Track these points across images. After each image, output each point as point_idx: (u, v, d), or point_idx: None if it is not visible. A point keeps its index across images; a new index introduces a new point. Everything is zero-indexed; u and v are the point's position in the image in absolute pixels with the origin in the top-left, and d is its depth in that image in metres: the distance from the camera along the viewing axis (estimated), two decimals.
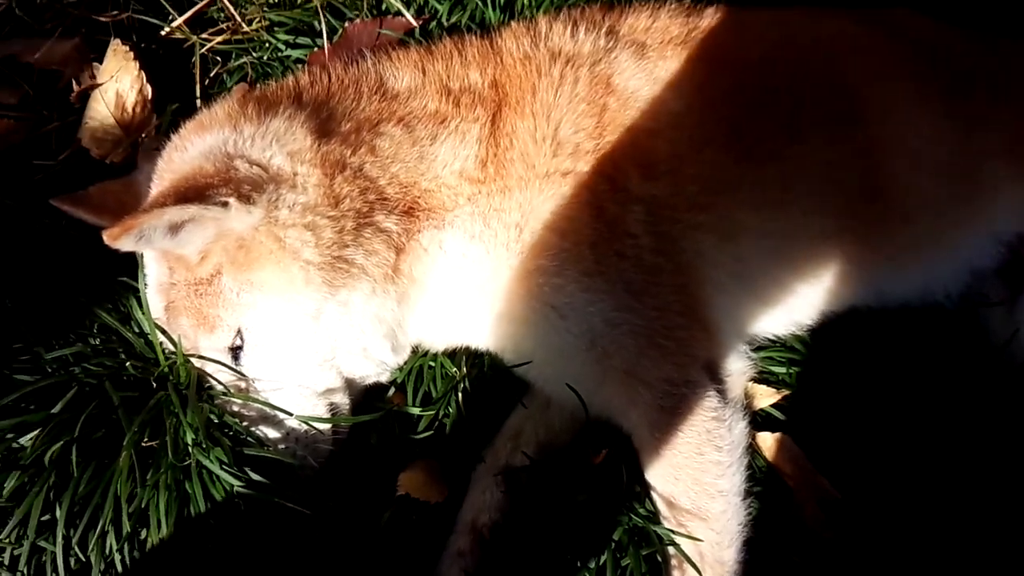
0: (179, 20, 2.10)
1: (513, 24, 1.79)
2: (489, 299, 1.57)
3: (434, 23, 2.13)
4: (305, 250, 1.45)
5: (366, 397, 1.70)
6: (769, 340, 1.76)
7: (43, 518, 1.47)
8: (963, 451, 1.66)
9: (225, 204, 1.38)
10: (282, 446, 1.56)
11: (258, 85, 1.93)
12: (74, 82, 1.97)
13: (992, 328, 1.82)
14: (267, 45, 2.12)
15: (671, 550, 1.53)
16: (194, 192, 1.38)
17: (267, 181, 1.46)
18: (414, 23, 2.08)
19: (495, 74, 1.66)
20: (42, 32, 2.10)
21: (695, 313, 1.57)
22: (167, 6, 2.09)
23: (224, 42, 2.12)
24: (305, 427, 1.55)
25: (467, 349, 1.74)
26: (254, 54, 2.11)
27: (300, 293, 1.47)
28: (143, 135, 1.93)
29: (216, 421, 1.54)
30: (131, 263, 1.67)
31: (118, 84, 1.93)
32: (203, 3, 2.12)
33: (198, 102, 2.04)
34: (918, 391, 1.71)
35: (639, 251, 1.52)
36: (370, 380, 1.68)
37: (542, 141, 1.56)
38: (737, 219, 1.60)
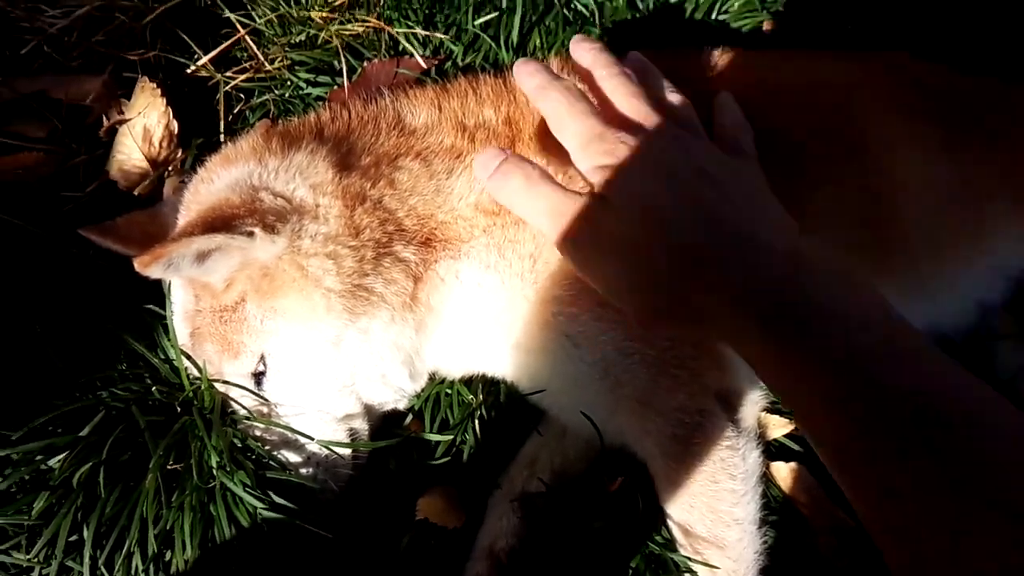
0: (204, 59, 2.15)
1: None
2: (504, 328, 1.61)
3: (449, 63, 2.19)
4: (327, 278, 1.50)
5: (384, 424, 1.74)
6: None
7: (71, 538, 1.50)
8: None
9: (251, 234, 1.43)
10: (303, 470, 1.59)
11: (280, 121, 1.98)
12: (104, 117, 2.03)
13: (1000, 361, 1.85)
14: (289, 83, 2.18)
15: None
16: (221, 222, 1.42)
17: (291, 212, 1.51)
18: (427, 64, 2.14)
19: (508, 111, 1.70)
20: (71, 69, 2.16)
21: (706, 343, 1.59)
22: (193, 45, 2.15)
23: (247, 80, 2.18)
24: (326, 452, 1.59)
25: (483, 376, 1.77)
26: (276, 92, 2.17)
27: (322, 320, 1.51)
28: (169, 168, 1.98)
29: (239, 445, 1.58)
30: (157, 292, 1.71)
31: (146, 119, 1.98)
32: (228, 43, 2.18)
33: (221, 137, 2.09)
34: None
35: None
36: (388, 407, 1.71)
37: (554, 174, 1.59)
38: None
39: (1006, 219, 1.80)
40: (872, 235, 1.72)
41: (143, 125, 1.99)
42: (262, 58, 2.18)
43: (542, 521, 1.66)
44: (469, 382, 1.79)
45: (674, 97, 1.49)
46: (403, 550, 1.62)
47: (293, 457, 1.60)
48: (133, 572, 1.50)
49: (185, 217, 1.60)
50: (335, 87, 2.14)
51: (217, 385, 1.58)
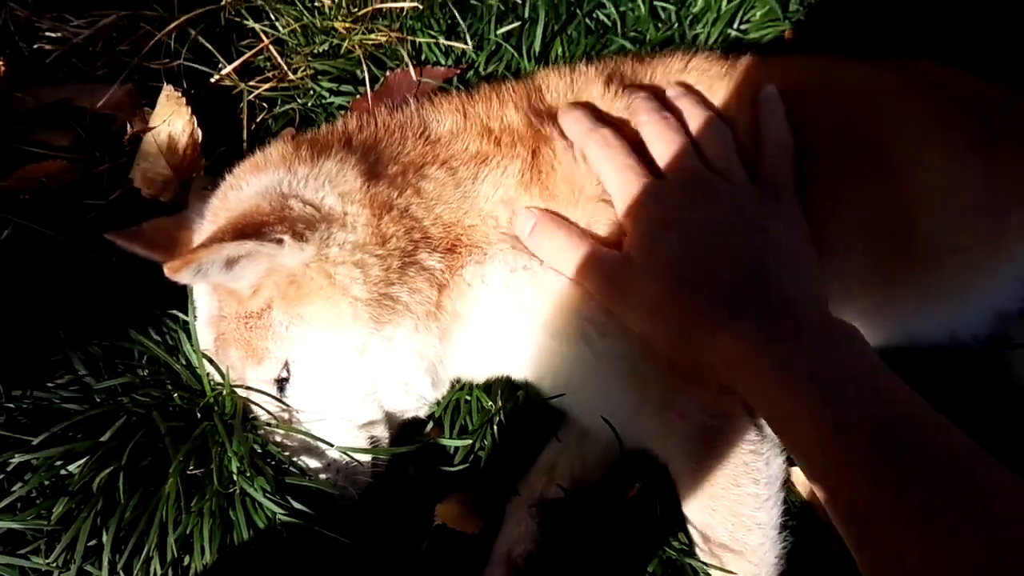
0: (228, 68, 2.16)
1: (551, 67, 1.86)
2: (531, 327, 1.60)
3: (471, 72, 2.20)
4: (354, 286, 1.50)
5: (403, 430, 1.74)
6: None
7: (90, 543, 1.50)
8: None
9: (280, 241, 1.43)
10: (323, 476, 1.59)
11: (307, 129, 1.98)
12: (128, 125, 2.04)
13: (1016, 370, 1.84)
14: (312, 92, 2.19)
15: None
16: (251, 228, 1.43)
17: (319, 220, 1.51)
18: (449, 74, 2.15)
19: (536, 111, 1.72)
20: (95, 78, 2.17)
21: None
22: (217, 55, 2.16)
23: (271, 89, 2.18)
24: (346, 458, 1.59)
25: (503, 382, 1.77)
26: (299, 101, 2.18)
27: (348, 328, 1.51)
28: (193, 176, 1.99)
29: (259, 451, 1.58)
30: (178, 298, 1.72)
31: (170, 128, 1.99)
32: (251, 53, 2.19)
33: (244, 145, 2.10)
34: None
35: None
36: (409, 414, 1.71)
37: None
38: None
39: None
40: (893, 241, 1.71)
41: (167, 133, 2.00)
42: (285, 67, 2.19)
43: (560, 527, 1.65)
44: (488, 388, 1.79)
45: (712, 138, 1.61)
46: (421, 555, 1.62)
47: (313, 463, 1.60)
48: None
49: (214, 224, 1.60)
50: (358, 96, 2.14)
51: (239, 390, 1.58)
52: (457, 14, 2.23)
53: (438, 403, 1.77)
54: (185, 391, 1.67)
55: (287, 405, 1.59)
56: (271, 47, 2.19)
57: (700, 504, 1.55)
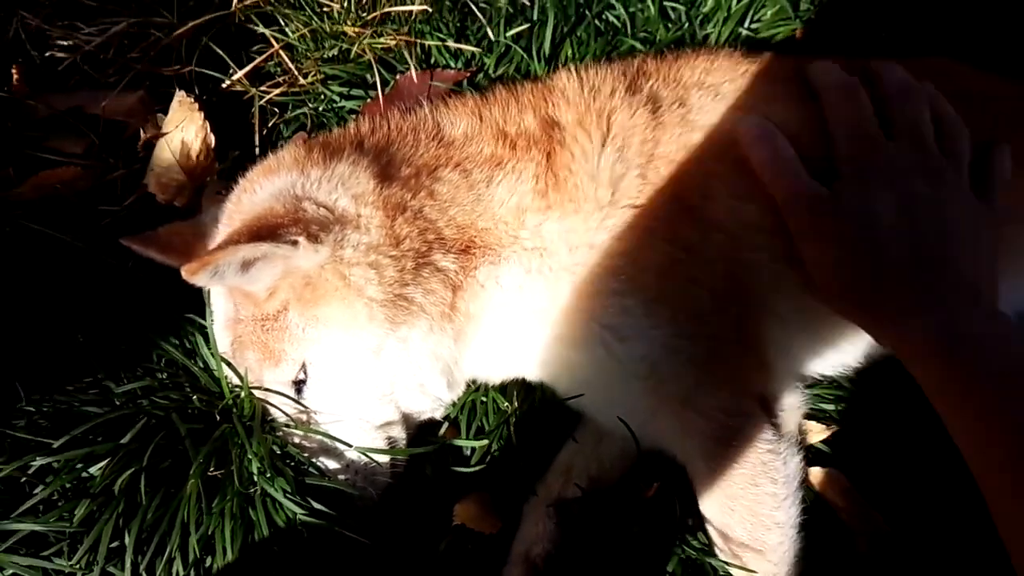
0: (239, 74, 2.17)
1: (569, 68, 1.83)
2: (547, 327, 1.61)
3: (481, 75, 2.21)
4: (369, 287, 1.51)
5: (420, 431, 1.75)
6: (817, 379, 1.80)
7: (112, 544, 1.51)
8: None
9: (295, 243, 1.45)
10: (342, 477, 1.60)
11: (319, 133, 2.00)
12: (141, 131, 2.05)
13: None
14: (322, 97, 2.20)
15: None
16: (267, 231, 1.44)
17: (333, 222, 1.52)
18: (459, 76, 2.16)
19: (552, 112, 1.71)
20: (107, 85, 2.18)
21: (754, 345, 1.60)
22: (228, 60, 2.17)
23: (282, 94, 2.20)
24: (364, 459, 1.60)
25: (519, 383, 1.78)
26: (310, 105, 2.19)
27: (363, 329, 1.52)
28: (206, 180, 2.00)
29: (279, 452, 1.59)
30: (196, 302, 1.74)
31: (183, 133, 2.00)
32: (262, 58, 2.20)
33: (257, 150, 2.12)
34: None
35: (713, 278, 1.56)
36: (425, 415, 1.72)
37: (610, 169, 1.61)
38: None
39: None
40: None
41: (181, 139, 2.01)
42: (296, 72, 2.20)
43: (578, 527, 1.66)
44: (504, 389, 1.80)
45: (952, 130, 1.62)
46: (440, 555, 1.63)
47: (332, 464, 1.61)
48: None
49: (228, 227, 1.62)
50: (368, 100, 2.15)
51: (257, 393, 1.59)
52: (466, 17, 2.24)
53: (454, 404, 1.78)
54: (204, 394, 1.68)
55: (305, 407, 1.60)
56: (281, 52, 2.20)
57: (718, 504, 1.55)
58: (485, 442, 1.73)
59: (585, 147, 1.64)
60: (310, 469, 1.59)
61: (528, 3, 2.26)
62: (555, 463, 1.76)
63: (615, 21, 2.28)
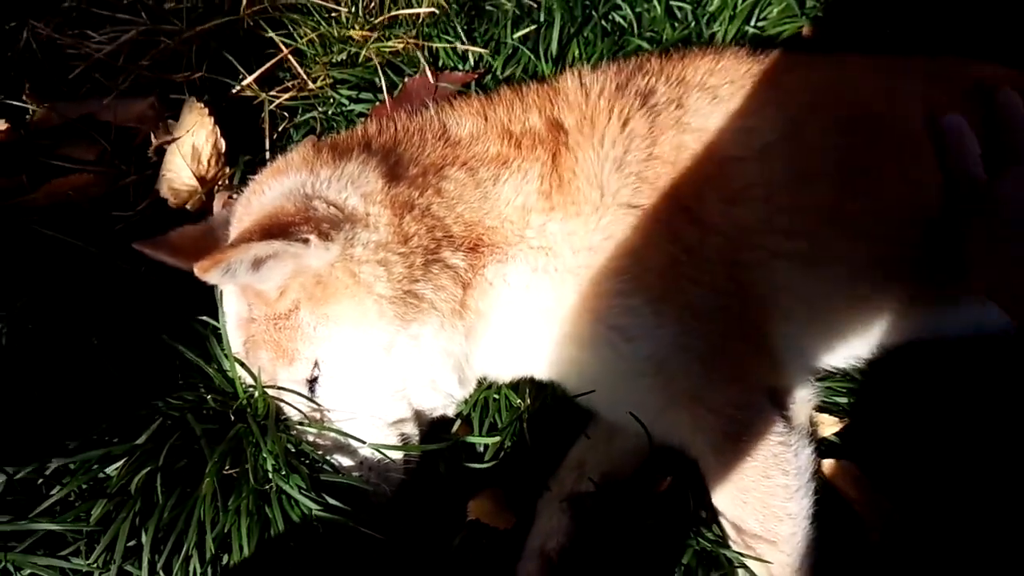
0: (249, 79, 2.19)
1: (573, 70, 1.85)
2: (554, 327, 1.62)
3: (489, 76, 2.22)
4: (378, 284, 1.52)
5: (434, 429, 1.75)
6: (829, 371, 1.79)
7: (129, 543, 1.51)
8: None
9: (306, 241, 1.46)
10: (356, 473, 1.61)
11: (328, 135, 2.01)
12: (152, 136, 2.07)
13: None
14: (331, 101, 2.22)
15: (741, 573, 1.56)
16: (278, 229, 1.45)
17: (343, 220, 1.54)
18: (467, 78, 2.18)
19: (557, 114, 1.73)
20: (118, 92, 2.20)
21: (761, 340, 1.61)
22: (238, 66, 2.19)
23: (291, 99, 2.22)
24: (378, 456, 1.60)
25: (531, 380, 1.78)
26: (319, 109, 2.21)
27: (374, 326, 1.53)
28: (217, 184, 2.02)
29: (293, 450, 1.60)
30: (209, 304, 1.75)
31: (194, 138, 2.02)
32: (271, 63, 2.22)
33: (267, 154, 2.14)
34: (973, 420, 1.74)
35: (714, 277, 1.57)
36: (438, 412, 1.73)
37: (611, 171, 1.62)
38: (826, 249, 1.63)
39: None
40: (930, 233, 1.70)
41: (191, 144, 2.03)
42: (305, 77, 2.22)
43: (592, 520, 1.66)
44: (516, 386, 1.80)
45: None
46: (455, 550, 1.63)
47: (346, 461, 1.62)
48: (192, 575, 1.52)
49: (238, 228, 1.63)
50: (377, 103, 2.17)
51: (271, 391, 1.60)
52: (474, 19, 2.25)
53: (466, 402, 1.79)
54: (218, 394, 1.69)
55: (318, 404, 1.61)
56: (290, 57, 2.22)
57: (730, 496, 1.55)
58: (497, 439, 1.73)
59: (586, 151, 1.65)
60: (324, 466, 1.60)
61: (535, 4, 2.28)
62: (568, 459, 1.76)
63: (621, 21, 2.30)
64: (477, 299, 1.63)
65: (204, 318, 1.78)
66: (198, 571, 1.51)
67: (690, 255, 1.57)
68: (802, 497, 1.55)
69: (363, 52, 2.23)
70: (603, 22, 2.27)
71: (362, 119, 2.15)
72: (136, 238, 1.73)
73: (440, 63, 2.26)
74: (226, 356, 1.68)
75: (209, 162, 2.03)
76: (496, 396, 1.81)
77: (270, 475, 1.54)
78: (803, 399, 1.69)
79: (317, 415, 1.61)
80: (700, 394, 1.55)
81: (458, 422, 1.79)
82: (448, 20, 2.28)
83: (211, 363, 1.73)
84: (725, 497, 1.56)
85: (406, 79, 2.20)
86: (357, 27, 2.25)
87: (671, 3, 2.31)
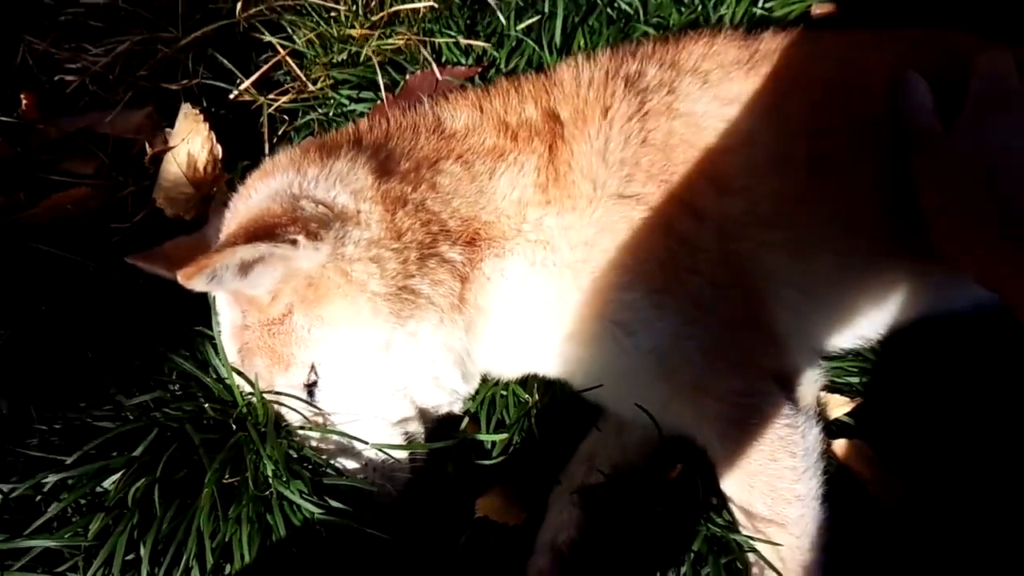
0: (246, 83, 2.17)
1: (569, 59, 1.81)
2: (554, 322, 1.58)
3: (493, 70, 2.18)
4: (371, 282, 1.48)
5: (440, 427, 1.71)
6: (839, 352, 1.75)
7: (127, 557, 1.49)
8: None
9: (294, 242, 1.42)
10: (360, 475, 1.58)
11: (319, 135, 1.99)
12: (147, 146, 2.05)
13: None
14: (332, 102, 2.19)
15: (752, 557, 1.52)
16: (264, 231, 1.42)
17: (333, 219, 1.50)
18: (470, 72, 2.14)
19: (553, 105, 1.69)
20: (115, 104, 2.18)
21: (762, 327, 1.57)
22: (235, 70, 2.16)
23: (291, 101, 2.19)
24: (382, 456, 1.57)
25: (538, 376, 1.74)
26: (320, 111, 2.18)
27: (369, 324, 1.50)
28: (214, 191, 1.99)
29: (295, 456, 1.57)
30: (206, 314, 1.72)
31: (189, 145, 2.00)
32: (268, 66, 2.20)
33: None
34: (988, 398, 1.70)
35: (712, 266, 1.53)
36: (443, 410, 1.69)
37: (603, 163, 1.58)
38: (809, 236, 1.59)
39: None
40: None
41: (187, 151, 2.00)
42: (304, 79, 2.19)
43: (603, 511, 1.63)
44: (524, 382, 1.77)
45: None
46: (463, 548, 1.61)
47: (350, 464, 1.59)
48: None
49: (226, 232, 1.60)
50: (378, 102, 2.13)
51: (269, 398, 1.57)
52: (476, 12, 2.22)
53: (473, 399, 1.76)
54: (217, 403, 1.66)
55: (319, 409, 1.57)
56: (288, 59, 2.19)
57: (738, 481, 1.52)
58: (505, 435, 1.70)
59: (580, 143, 1.61)
60: (328, 470, 1.57)
61: None
62: (578, 452, 1.73)
63: (627, 7, 2.24)
64: (476, 293, 1.60)
65: (201, 328, 1.75)
66: None
67: (686, 245, 1.53)
68: (810, 478, 1.52)
69: (363, 51, 2.20)
70: (608, 9, 2.22)
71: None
72: (133, 250, 1.72)
73: (443, 59, 2.22)
74: (223, 365, 1.65)
75: (206, 169, 2.00)
76: (504, 392, 1.78)
77: (270, 481, 1.51)
78: (810, 380, 1.65)
79: (319, 419, 1.58)
80: (704, 384, 1.52)
81: (466, 420, 1.75)
82: (449, 14, 2.25)
83: (209, 372, 1.71)
84: (733, 482, 1.53)
85: (408, 76, 2.17)
86: (357, 25, 2.22)
87: None
